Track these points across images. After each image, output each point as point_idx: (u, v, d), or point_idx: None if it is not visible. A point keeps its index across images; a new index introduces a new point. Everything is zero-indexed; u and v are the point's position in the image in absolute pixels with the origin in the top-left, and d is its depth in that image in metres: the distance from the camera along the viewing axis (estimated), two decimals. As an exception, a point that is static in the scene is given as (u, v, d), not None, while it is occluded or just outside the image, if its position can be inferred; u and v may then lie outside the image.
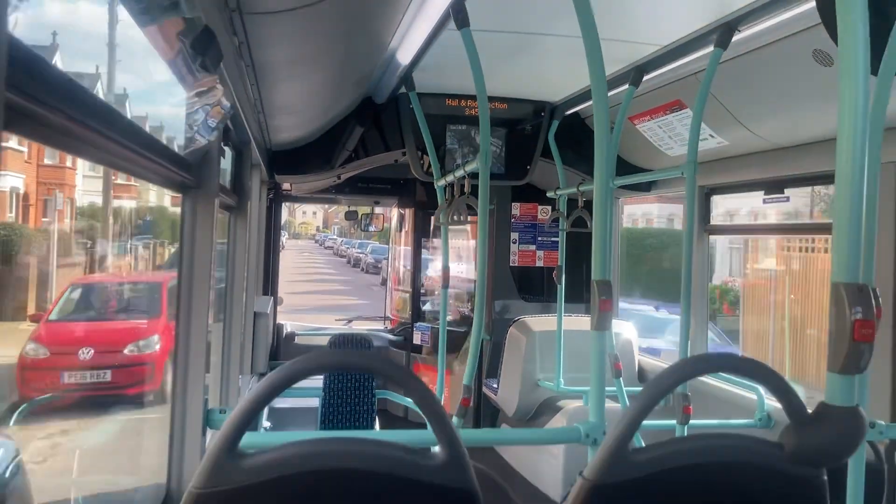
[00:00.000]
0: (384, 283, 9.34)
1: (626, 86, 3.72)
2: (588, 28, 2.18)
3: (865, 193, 1.40)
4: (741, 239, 15.29)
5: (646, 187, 5.26)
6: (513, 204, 6.48)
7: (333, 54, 2.73)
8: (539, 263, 6.56)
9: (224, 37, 1.92)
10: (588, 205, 4.27)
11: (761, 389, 3.90)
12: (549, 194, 5.33)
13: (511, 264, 6.51)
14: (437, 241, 6.82)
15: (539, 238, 6.55)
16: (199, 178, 2.31)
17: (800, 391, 1.43)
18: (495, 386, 5.83)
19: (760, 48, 3.16)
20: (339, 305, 18.99)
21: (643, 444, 1.44)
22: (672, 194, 6.15)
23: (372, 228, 8.73)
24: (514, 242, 6.54)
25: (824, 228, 4.21)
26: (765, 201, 4.09)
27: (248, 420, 1.27)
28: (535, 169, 5.17)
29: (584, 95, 4.57)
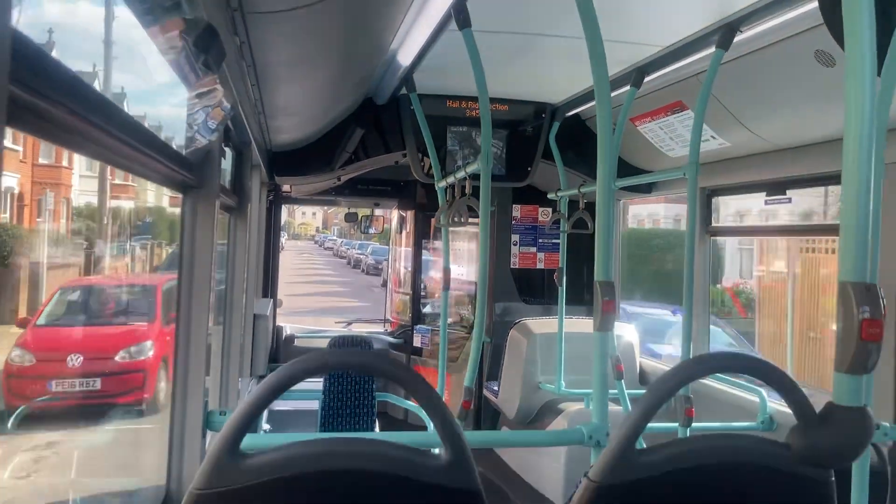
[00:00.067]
0: (385, 284, 9.31)
1: (628, 87, 3.71)
2: (591, 29, 2.17)
3: (872, 193, 1.39)
4: (749, 239, 14.97)
5: (647, 189, 5.25)
6: (513, 206, 6.48)
7: (334, 55, 2.73)
8: (540, 265, 6.55)
9: (225, 36, 1.91)
10: (589, 206, 4.26)
11: (763, 392, 3.90)
12: (550, 196, 5.32)
13: (511, 266, 6.51)
14: (437, 243, 6.82)
15: (540, 240, 6.55)
16: (200, 177, 2.30)
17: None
18: (496, 388, 5.82)
19: (762, 49, 3.15)
20: (339, 308, 18.92)
21: (645, 447, 1.44)
22: (677, 195, 6.14)
23: (372, 230, 8.71)
24: (515, 244, 6.53)
25: (829, 230, 4.21)
26: (766, 202, 4.08)
27: (250, 420, 1.26)
28: (536, 171, 5.16)
29: (585, 97, 4.56)
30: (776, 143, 3.79)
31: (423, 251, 7.54)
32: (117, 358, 8.53)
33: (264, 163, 4.66)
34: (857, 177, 1.38)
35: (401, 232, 8.51)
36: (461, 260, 7.91)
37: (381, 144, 5.06)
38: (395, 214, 8.62)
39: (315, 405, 4.81)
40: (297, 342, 7.21)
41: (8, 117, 0.81)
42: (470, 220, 3.84)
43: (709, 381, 4.32)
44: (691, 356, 3.45)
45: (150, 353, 8.70)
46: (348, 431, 4.69)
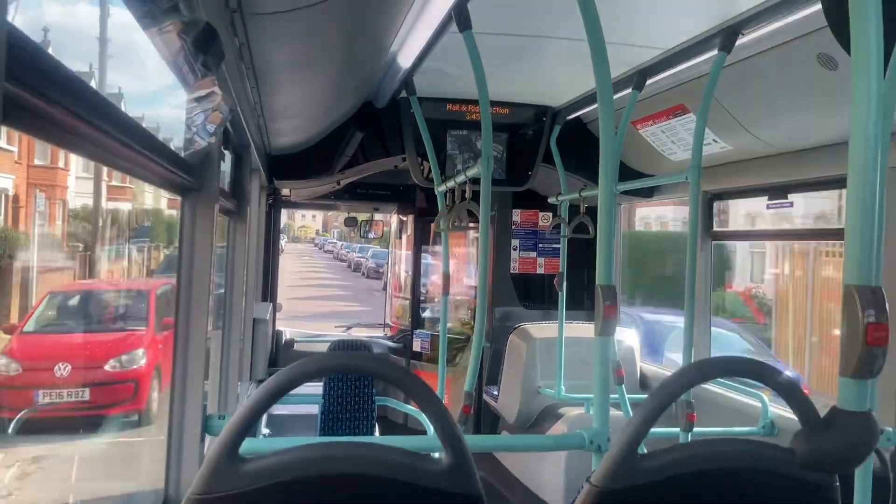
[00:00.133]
0: (385, 288, 9.28)
1: (629, 90, 3.70)
2: (593, 31, 2.16)
3: (878, 196, 1.38)
4: (762, 242, 14.56)
5: (648, 193, 5.24)
6: (513, 210, 6.47)
7: (334, 57, 2.72)
8: (540, 270, 6.54)
9: (225, 38, 1.90)
10: (590, 211, 4.25)
11: (765, 397, 3.88)
12: (551, 200, 5.31)
13: (511, 271, 6.50)
14: (438, 248, 6.81)
15: (540, 245, 6.54)
16: (199, 180, 2.29)
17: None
18: (496, 393, 5.80)
19: (764, 52, 3.14)
20: (339, 312, 18.87)
21: (647, 452, 1.42)
22: (684, 198, 6.13)
23: (371, 235, 8.72)
24: (515, 249, 6.52)
25: (834, 234, 4.20)
26: (768, 206, 4.07)
27: (249, 424, 1.24)
28: (537, 175, 5.15)
29: (586, 100, 4.55)
30: (778, 146, 3.78)
31: (424, 254, 7.54)
32: (107, 367, 8.24)
33: (264, 166, 4.65)
34: (863, 180, 1.37)
35: (400, 236, 8.50)
36: (462, 264, 7.90)
37: (380, 148, 5.05)
38: (394, 219, 8.61)
39: (315, 409, 4.79)
40: (296, 346, 7.20)
41: (3, 115, 0.79)
42: (470, 224, 3.83)
43: (710, 386, 4.30)
44: (693, 361, 3.44)
45: (142, 362, 8.39)
46: (348, 435, 4.67)
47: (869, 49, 1.37)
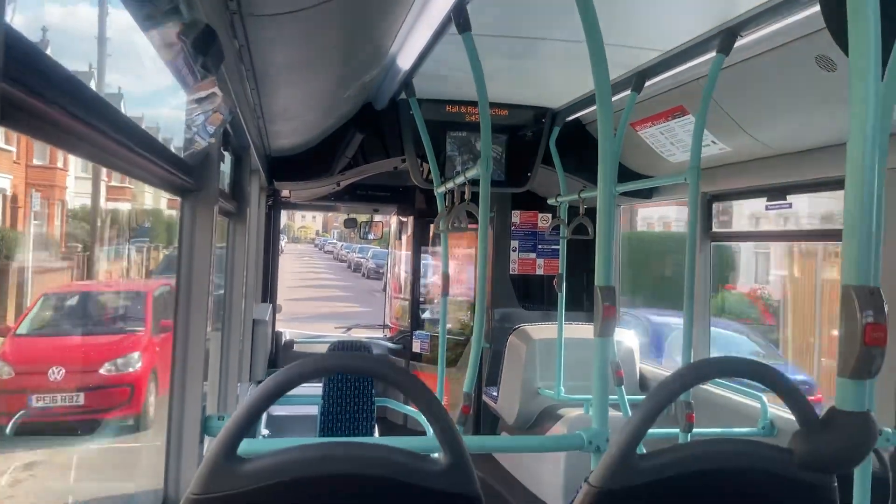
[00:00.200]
0: (386, 288, 9.28)
1: (629, 91, 3.71)
2: (592, 33, 2.17)
3: (876, 197, 1.39)
4: (765, 243, 14.22)
5: (647, 194, 5.24)
6: (513, 211, 6.48)
7: (333, 58, 2.72)
8: (539, 271, 6.55)
9: (224, 39, 1.90)
10: (589, 212, 4.25)
11: (764, 397, 3.89)
12: (550, 201, 5.32)
13: (511, 272, 6.50)
14: (438, 249, 6.81)
15: (539, 246, 6.55)
16: (198, 181, 2.29)
17: None
18: (495, 394, 5.81)
19: (763, 54, 3.15)
20: (339, 313, 18.82)
21: (646, 453, 1.42)
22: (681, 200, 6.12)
23: (371, 236, 8.73)
24: (514, 250, 6.53)
25: (832, 235, 4.20)
26: (767, 208, 4.08)
27: (247, 425, 1.25)
28: (536, 176, 5.16)
29: (585, 101, 4.56)
30: (777, 148, 3.78)
31: (424, 255, 7.54)
32: (102, 371, 8.03)
33: (263, 167, 4.66)
34: (861, 181, 1.38)
35: (400, 237, 8.51)
36: (464, 265, 7.91)
37: (380, 149, 5.06)
38: (394, 220, 8.62)
39: (314, 410, 4.80)
40: (296, 347, 7.21)
41: (1, 116, 0.80)
42: (469, 225, 3.83)
43: (709, 387, 4.30)
44: (692, 361, 3.44)
45: (139, 366, 8.18)
46: (347, 436, 4.68)
47: (867, 51, 1.38)
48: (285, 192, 6.90)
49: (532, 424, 5.32)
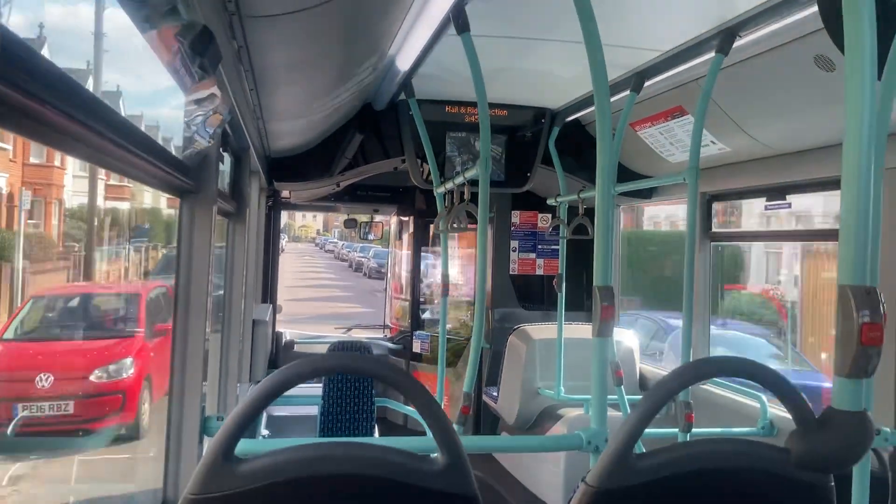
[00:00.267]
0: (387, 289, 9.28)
1: (628, 92, 3.71)
2: (590, 33, 2.17)
3: (872, 197, 1.39)
4: (777, 243, 13.70)
5: (647, 194, 5.25)
6: (513, 212, 6.48)
7: (333, 59, 2.72)
8: (539, 272, 6.55)
9: (223, 40, 1.90)
10: (589, 212, 4.25)
11: (764, 397, 3.89)
12: (550, 202, 5.32)
13: (511, 272, 6.51)
14: (439, 248, 6.82)
15: (539, 246, 6.55)
16: (197, 182, 2.29)
17: None
18: (495, 394, 5.81)
19: (762, 54, 3.15)
20: (340, 314, 18.74)
21: (642, 452, 1.43)
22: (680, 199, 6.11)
23: (371, 236, 8.74)
24: (514, 251, 6.54)
25: (831, 235, 4.20)
26: (767, 208, 4.08)
27: (245, 425, 1.25)
28: (535, 176, 5.16)
29: (584, 102, 4.56)
30: (776, 148, 3.78)
31: (425, 256, 7.55)
32: (92, 377, 7.65)
33: (263, 168, 4.66)
34: (857, 181, 1.38)
35: (400, 238, 8.51)
36: (469, 265, 7.91)
37: (379, 150, 5.06)
38: (394, 220, 8.63)
39: (314, 410, 4.80)
40: (296, 348, 7.21)
41: None
42: (469, 226, 3.84)
43: (709, 387, 4.30)
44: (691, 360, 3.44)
45: (131, 372, 7.79)
46: (348, 436, 4.67)
47: (863, 51, 1.38)
48: (285, 193, 6.90)
49: (532, 424, 5.32)
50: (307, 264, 41.64)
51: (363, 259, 36.14)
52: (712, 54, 3.09)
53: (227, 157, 3.46)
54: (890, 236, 3.03)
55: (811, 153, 3.62)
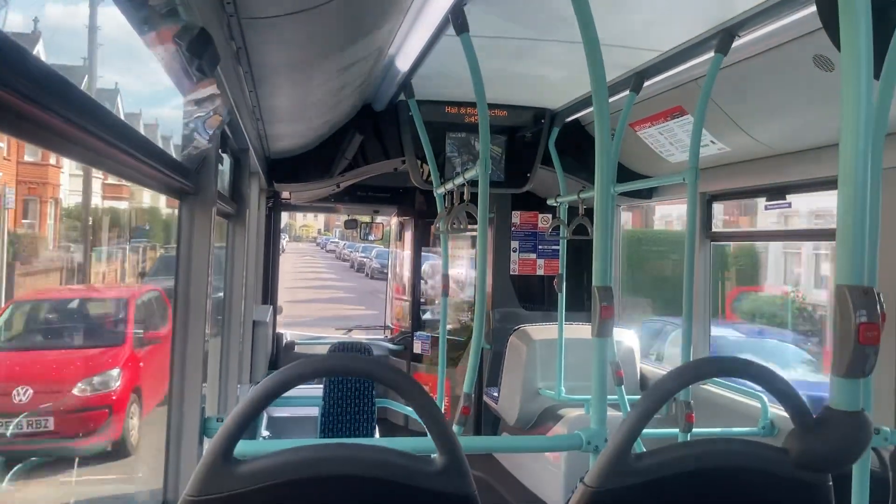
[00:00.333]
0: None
1: (627, 92, 3.71)
2: (589, 34, 2.17)
3: (869, 197, 1.39)
4: (796, 242, 13.10)
5: (647, 194, 5.25)
6: (513, 212, 6.48)
7: (332, 60, 2.72)
8: (539, 272, 6.55)
9: (221, 42, 1.90)
10: (589, 212, 4.25)
11: (765, 397, 3.88)
12: (550, 202, 5.32)
13: (511, 273, 6.51)
14: (439, 249, 6.82)
15: (539, 246, 6.55)
16: (196, 184, 2.29)
17: None
18: (496, 394, 5.81)
19: (761, 54, 3.15)
20: (342, 316, 18.57)
21: (641, 453, 1.43)
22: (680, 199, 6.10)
23: (371, 237, 8.75)
24: (514, 251, 6.53)
25: (828, 234, 4.20)
26: (767, 207, 4.08)
27: (244, 426, 1.25)
28: (535, 176, 5.16)
29: (584, 102, 4.56)
30: (776, 147, 3.78)
31: (425, 256, 7.55)
32: (76, 391, 6.99)
33: (263, 169, 4.66)
34: (854, 180, 1.38)
35: (401, 238, 8.52)
36: (465, 267, 7.91)
37: (379, 151, 5.07)
38: (394, 221, 8.63)
39: (315, 411, 4.80)
40: (297, 348, 7.21)
41: None
42: (469, 226, 3.84)
43: (710, 387, 4.30)
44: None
45: (118, 384, 7.13)
46: (348, 437, 4.67)
47: (859, 49, 1.38)
48: (285, 194, 6.91)
49: (533, 425, 5.32)
50: (308, 265, 41.50)
51: (365, 259, 35.96)
52: (711, 54, 3.09)
53: (226, 159, 3.46)
54: (889, 236, 3.03)
55: (811, 153, 3.62)
